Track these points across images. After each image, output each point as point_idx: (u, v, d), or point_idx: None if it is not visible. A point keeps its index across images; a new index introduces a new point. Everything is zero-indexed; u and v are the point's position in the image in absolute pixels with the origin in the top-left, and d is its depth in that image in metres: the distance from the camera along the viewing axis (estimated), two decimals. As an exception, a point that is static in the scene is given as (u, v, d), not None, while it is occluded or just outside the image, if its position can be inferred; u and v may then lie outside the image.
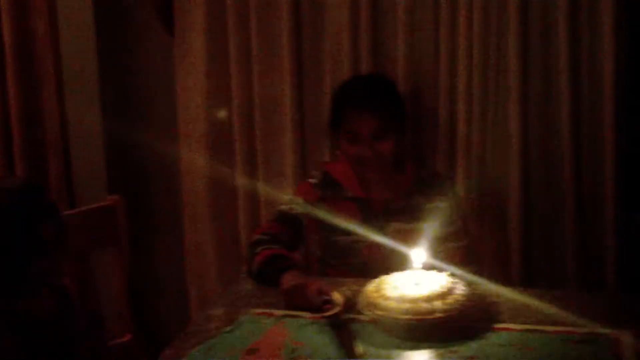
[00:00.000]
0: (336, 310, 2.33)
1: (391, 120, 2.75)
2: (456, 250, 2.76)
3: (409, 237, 2.68)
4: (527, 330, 2.22)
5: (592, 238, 3.13)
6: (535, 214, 3.18)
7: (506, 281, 2.95)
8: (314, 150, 3.37)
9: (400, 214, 2.79)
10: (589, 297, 2.50)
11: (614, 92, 2.98)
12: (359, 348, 2.14)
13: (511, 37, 3.04)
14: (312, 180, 2.88)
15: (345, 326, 2.27)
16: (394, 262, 2.59)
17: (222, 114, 3.44)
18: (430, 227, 2.73)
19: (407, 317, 2.18)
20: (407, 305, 2.20)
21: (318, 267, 2.92)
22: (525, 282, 3.13)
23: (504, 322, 2.29)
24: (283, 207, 2.87)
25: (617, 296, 2.82)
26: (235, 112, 3.40)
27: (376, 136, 2.72)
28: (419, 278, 2.32)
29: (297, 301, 2.40)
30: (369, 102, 2.73)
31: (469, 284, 2.36)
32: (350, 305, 2.36)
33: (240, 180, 3.45)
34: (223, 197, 3.51)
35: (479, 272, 2.71)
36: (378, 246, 2.76)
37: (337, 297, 2.38)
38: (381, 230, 2.78)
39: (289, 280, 2.46)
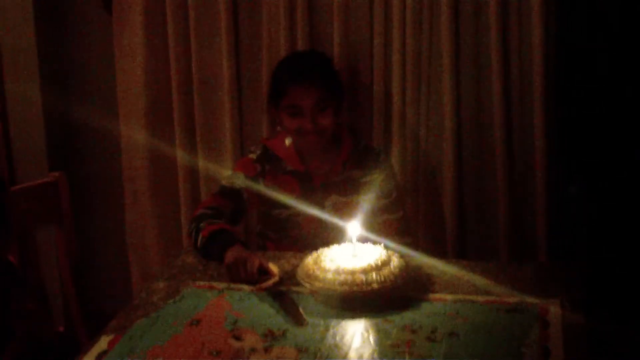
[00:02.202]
0: (274, 281, 2.42)
1: (330, 94, 2.82)
2: (392, 222, 2.84)
3: (346, 210, 2.77)
4: (460, 300, 2.31)
5: (523, 210, 3.23)
6: (468, 188, 3.27)
7: (440, 253, 3.06)
8: (253, 126, 3.43)
9: (338, 187, 2.87)
10: (519, 268, 2.57)
11: (543, 68, 3.08)
12: (304, 315, 2.23)
13: (443, 16, 3.12)
14: (251, 156, 2.93)
15: (285, 296, 2.35)
16: (332, 235, 2.68)
17: (161, 91, 3.47)
18: (367, 200, 2.81)
19: (344, 288, 2.26)
20: (344, 277, 2.27)
21: (258, 240, 2.99)
22: (458, 254, 3.25)
23: (437, 292, 2.37)
24: (224, 182, 2.91)
25: (546, 266, 2.91)
26: (174, 89, 3.44)
27: (317, 109, 2.78)
28: (355, 250, 2.39)
29: (238, 274, 2.46)
30: (310, 76, 2.79)
31: (403, 256, 2.44)
32: (288, 277, 2.45)
33: (180, 157, 3.50)
34: (163, 173, 3.56)
35: (413, 244, 2.82)
36: (316, 219, 2.84)
37: (274, 269, 2.48)
38: (320, 203, 2.86)
39: (232, 254, 2.51)
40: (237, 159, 3.29)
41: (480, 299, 2.32)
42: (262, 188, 2.88)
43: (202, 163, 3.49)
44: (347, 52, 3.24)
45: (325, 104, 2.79)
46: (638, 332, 2.51)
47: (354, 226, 2.42)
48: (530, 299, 2.29)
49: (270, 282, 2.41)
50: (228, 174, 2.96)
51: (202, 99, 3.43)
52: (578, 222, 3.46)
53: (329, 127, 2.82)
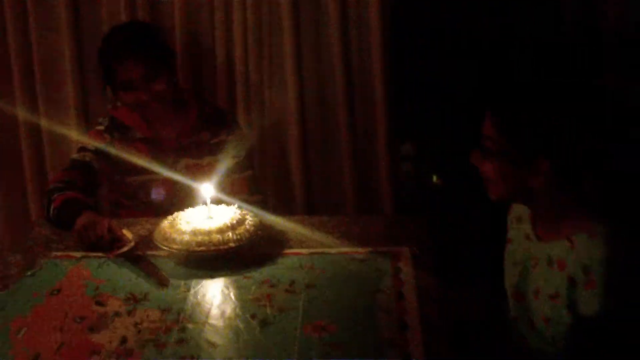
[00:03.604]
0: (129, 246, 2.46)
1: (158, 62, 2.82)
2: (242, 181, 2.90)
3: (198, 172, 2.83)
4: (314, 254, 2.42)
5: (367, 166, 3.36)
6: (313, 148, 3.37)
7: (289, 209, 3.15)
8: (96, 100, 3.40)
9: (189, 150, 2.91)
10: (368, 221, 2.70)
11: (381, 39, 3.20)
12: (166, 275, 2.29)
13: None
14: (99, 127, 2.92)
15: (144, 260, 2.40)
16: (185, 199, 2.72)
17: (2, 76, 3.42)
18: (218, 161, 2.86)
19: (202, 248, 2.33)
20: (201, 238, 2.35)
21: (111, 210, 3.01)
22: (307, 211, 3.34)
23: (292, 247, 2.48)
24: (75, 155, 2.90)
25: (394, 219, 3.04)
26: (15, 73, 3.39)
27: (148, 79, 2.79)
28: (210, 212, 2.46)
29: (88, 239, 2.48)
30: (132, 48, 2.79)
31: (257, 215, 2.52)
32: (144, 241, 2.50)
33: (24, 138, 3.47)
34: (6, 153, 3.51)
35: (264, 201, 2.90)
36: (169, 184, 2.88)
37: (126, 234, 2.52)
38: (171, 167, 2.89)
39: (81, 220, 2.53)
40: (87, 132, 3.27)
41: (334, 250, 2.44)
42: (112, 157, 2.89)
43: (46, 142, 3.47)
44: (187, 20, 3.27)
45: (155, 72, 2.80)
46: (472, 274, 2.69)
47: (207, 188, 2.48)
48: (382, 248, 2.42)
49: (125, 248, 2.45)
50: (78, 147, 2.94)
51: (45, 80, 3.39)
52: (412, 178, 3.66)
53: (165, 93, 2.83)
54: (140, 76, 2.77)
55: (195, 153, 2.91)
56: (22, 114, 3.42)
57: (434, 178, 3.51)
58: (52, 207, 2.68)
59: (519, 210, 2.20)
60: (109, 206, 3.06)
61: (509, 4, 3.44)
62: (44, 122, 3.43)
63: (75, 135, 3.37)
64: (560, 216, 2.00)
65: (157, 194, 2.90)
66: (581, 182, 1.96)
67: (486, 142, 1.99)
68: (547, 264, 2.00)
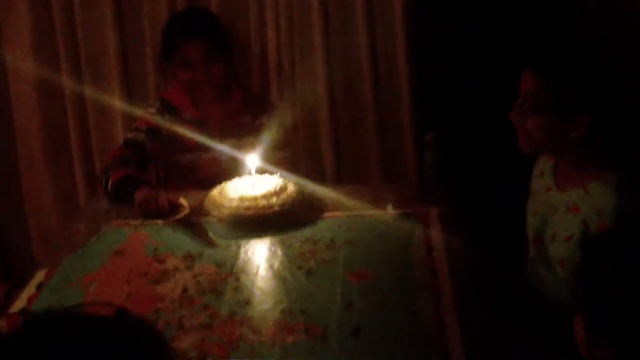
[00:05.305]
0: (185, 212, 2.71)
1: (218, 46, 3.08)
2: (280, 159, 3.12)
3: (242, 151, 3.04)
4: (350, 216, 2.67)
5: (393, 145, 3.57)
6: (343, 126, 3.58)
7: (321, 180, 3.36)
8: (139, 93, 3.61)
9: (232, 131, 3.14)
10: (394, 188, 2.95)
11: (405, 33, 3.40)
12: (214, 239, 2.53)
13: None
14: (150, 109, 3.16)
15: (196, 225, 2.65)
16: (230, 175, 2.96)
17: (50, 67, 3.62)
18: (259, 141, 3.10)
19: (250, 212, 2.58)
20: (248, 203, 2.60)
21: (162, 186, 3.24)
22: (336, 181, 3.55)
23: (329, 211, 2.72)
24: (128, 135, 3.14)
25: (418, 185, 3.29)
26: (62, 64, 3.60)
27: (207, 60, 3.04)
28: (255, 181, 2.71)
29: (150, 211, 2.73)
30: (198, 30, 3.05)
31: (296, 183, 2.77)
32: (195, 210, 2.73)
33: (73, 127, 3.67)
34: (57, 140, 3.72)
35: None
36: (215, 161, 3.11)
37: (183, 202, 2.76)
38: (217, 146, 3.12)
39: (141, 194, 2.77)
40: (126, 119, 3.53)
41: (368, 212, 2.68)
42: (163, 137, 3.13)
43: (94, 131, 3.69)
44: (224, 9, 3.46)
45: (214, 55, 3.05)
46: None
47: (252, 159, 2.73)
48: (411, 210, 2.66)
49: (182, 214, 2.70)
50: (131, 127, 3.18)
51: (90, 72, 3.59)
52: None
53: (220, 77, 3.08)
54: (201, 57, 3.02)
55: (238, 134, 3.13)
56: (67, 84, 3.62)
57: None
58: (110, 182, 2.91)
59: (541, 166, 2.42)
60: (158, 182, 3.29)
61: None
62: (88, 92, 3.63)
63: (118, 124, 3.61)
64: (580, 167, 2.21)
65: (204, 172, 3.11)
66: (615, 135, 2.17)
67: (529, 99, 2.18)
68: (565, 211, 2.21)
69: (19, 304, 2.24)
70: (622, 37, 3.04)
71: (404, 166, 3.58)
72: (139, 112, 3.23)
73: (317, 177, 3.46)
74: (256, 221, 2.58)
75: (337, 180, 3.57)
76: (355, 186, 2.97)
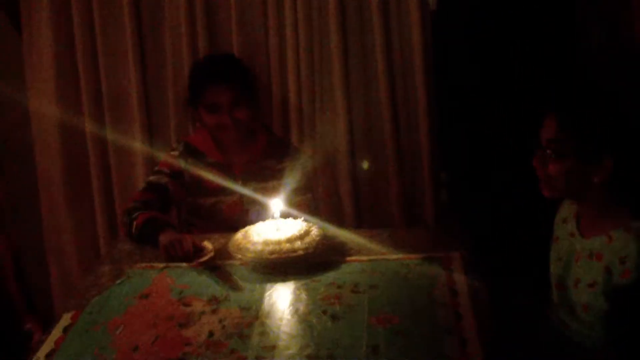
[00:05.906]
0: (209, 256, 2.73)
1: (244, 91, 3.12)
2: (302, 202, 3.15)
3: (265, 194, 3.07)
4: (373, 260, 2.68)
5: (412, 190, 3.61)
6: (363, 170, 3.63)
7: (340, 223, 3.38)
8: (160, 136, 3.68)
9: (255, 175, 3.17)
10: (415, 232, 2.97)
11: (425, 83, 3.45)
12: (239, 282, 2.55)
13: (331, 19, 3.44)
14: (174, 152, 3.19)
15: (220, 268, 2.67)
16: (251, 218, 2.99)
17: (71, 106, 3.68)
18: (281, 185, 3.13)
19: (274, 256, 2.60)
20: (272, 247, 2.62)
21: (185, 229, 3.26)
22: (356, 224, 3.60)
23: (353, 255, 2.74)
24: (151, 178, 3.16)
25: (439, 228, 3.31)
26: (84, 105, 3.65)
27: (233, 104, 3.07)
28: (278, 225, 2.73)
29: (174, 254, 2.75)
30: (225, 76, 3.09)
31: (320, 227, 2.79)
32: (219, 253, 2.75)
33: (94, 164, 3.71)
34: (78, 183, 3.77)
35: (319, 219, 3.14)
36: (238, 205, 3.15)
37: (208, 245, 2.79)
38: (240, 190, 3.15)
39: (165, 237, 2.80)
40: (147, 163, 3.58)
41: (391, 257, 2.70)
42: (186, 180, 3.16)
43: (114, 172, 3.73)
44: (246, 53, 3.52)
45: (240, 100, 3.09)
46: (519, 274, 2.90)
47: (276, 203, 2.76)
48: (433, 254, 2.68)
49: (207, 257, 2.72)
50: (154, 170, 3.20)
51: (112, 113, 3.66)
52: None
53: (245, 121, 3.11)
54: (227, 101, 3.05)
55: (262, 178, 3.16)
56: (89, 127, 3.67)
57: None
58: (134, 224, 2.94)
59: (564, 212, 2.45)
60: (181, 225, 3.31)
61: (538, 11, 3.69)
62: (109, 135, 3.68)
63: (140, 164, 3.65)
64: (603, 212, 2.24)
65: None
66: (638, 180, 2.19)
67: (551, 145, 2.21)
68: (588, 257, 2.24)
69: (46, 347, 2.25)
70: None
71: (424, 209, 3.61)
72: (161, 155, 3.26)
73: (337, 220, 3.51)
74: (280, 265, 2.60)
75: (357, 223, 3.60)
76: (378, 230, 2.99)
